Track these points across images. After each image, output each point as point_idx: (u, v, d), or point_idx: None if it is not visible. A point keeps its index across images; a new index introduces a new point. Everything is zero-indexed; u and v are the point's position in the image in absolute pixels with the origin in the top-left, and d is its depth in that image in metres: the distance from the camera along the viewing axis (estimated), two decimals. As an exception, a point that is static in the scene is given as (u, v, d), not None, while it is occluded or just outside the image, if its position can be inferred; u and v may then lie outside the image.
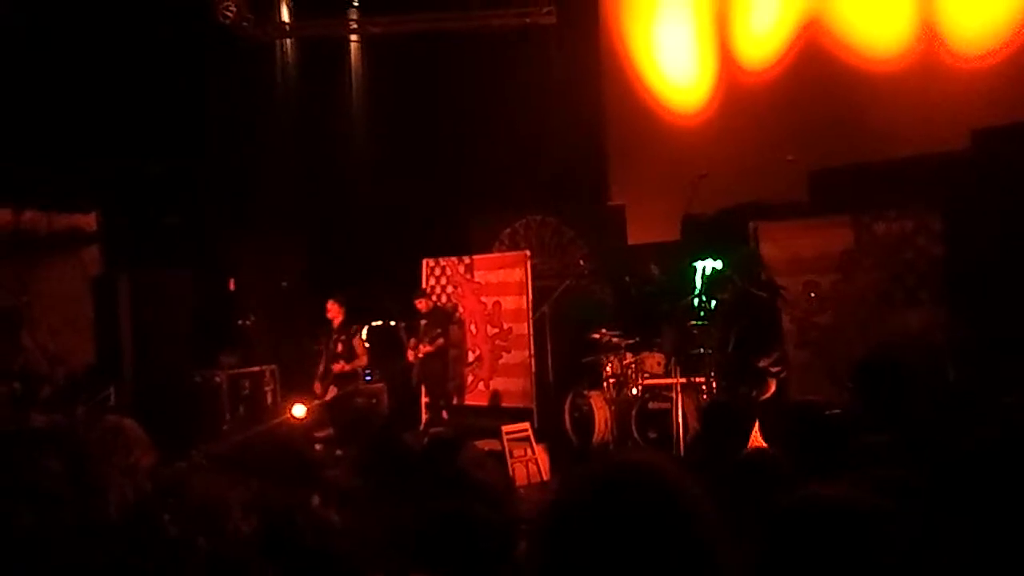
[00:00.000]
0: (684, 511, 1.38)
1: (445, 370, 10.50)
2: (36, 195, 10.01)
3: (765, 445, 6.24)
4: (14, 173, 9.49)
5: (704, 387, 8.27)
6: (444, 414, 10.32)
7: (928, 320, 7.83)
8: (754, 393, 6.70)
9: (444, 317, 10.59)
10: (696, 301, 8.87)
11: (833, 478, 2.04)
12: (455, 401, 10.76)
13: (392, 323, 11.08)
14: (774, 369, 6.76)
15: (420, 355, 10.20)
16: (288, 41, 13.17)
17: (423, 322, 10.26)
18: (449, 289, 11.33)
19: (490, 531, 2.14)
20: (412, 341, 10.30)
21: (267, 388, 10.68)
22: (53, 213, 10.36)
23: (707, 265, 9.02)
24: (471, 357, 11.06)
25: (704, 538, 1.38)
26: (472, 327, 11.10)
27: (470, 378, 11.08)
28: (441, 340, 10.22)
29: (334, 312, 9.79)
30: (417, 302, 10.37)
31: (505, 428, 8.90)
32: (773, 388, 6.77)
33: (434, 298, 11.07)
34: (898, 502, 1.75)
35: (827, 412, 3.20)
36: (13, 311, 10.18)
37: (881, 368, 3.73)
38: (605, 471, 1.48)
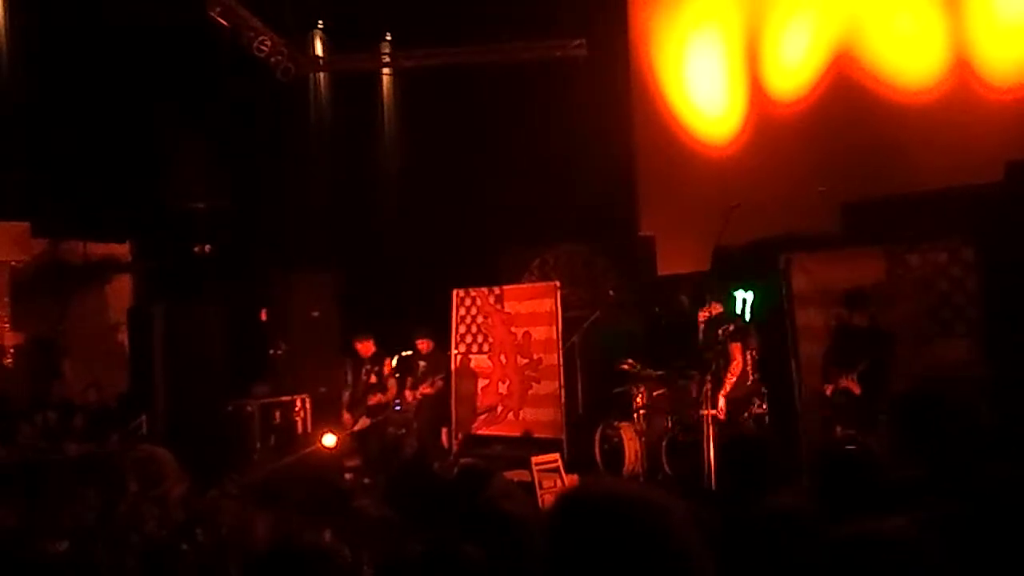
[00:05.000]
0: (654, 535, 1.41)
1: (438, 419, 10.49)
2: (73, 225, 10.20)
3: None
4: (52, 203, 9.69)
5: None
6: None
7: (963, 353, 7.71)
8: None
9: (444, 362, 10.57)
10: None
11: (863, 516, 2.02)
12: (447, 445, 10.72)
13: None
14: None
15: (419, 396, 10.07)
16: (321, 75, 13.35)
17: (422, 363, 10.18)
18: (480, 319, 11.32)
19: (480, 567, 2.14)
20: (409, 380, 10.13)
21: (298, 418, 10.73)
22: (89, 242, 10.55)
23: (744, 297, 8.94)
24: (502, 388, 11.03)
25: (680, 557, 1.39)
26: (502, 357, 11.08)
27: (499, 408, 11.05)
28: (441, 383, 10.18)
29: (364, 348, 9.89)
30: (419, 342, 10.25)
31: (535, 459, 8.84)
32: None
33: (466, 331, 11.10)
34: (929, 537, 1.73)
35: (856, 447, 3.15)
36: (52, 340, 10.35)
37: (918, 402, 3.68)
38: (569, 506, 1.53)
